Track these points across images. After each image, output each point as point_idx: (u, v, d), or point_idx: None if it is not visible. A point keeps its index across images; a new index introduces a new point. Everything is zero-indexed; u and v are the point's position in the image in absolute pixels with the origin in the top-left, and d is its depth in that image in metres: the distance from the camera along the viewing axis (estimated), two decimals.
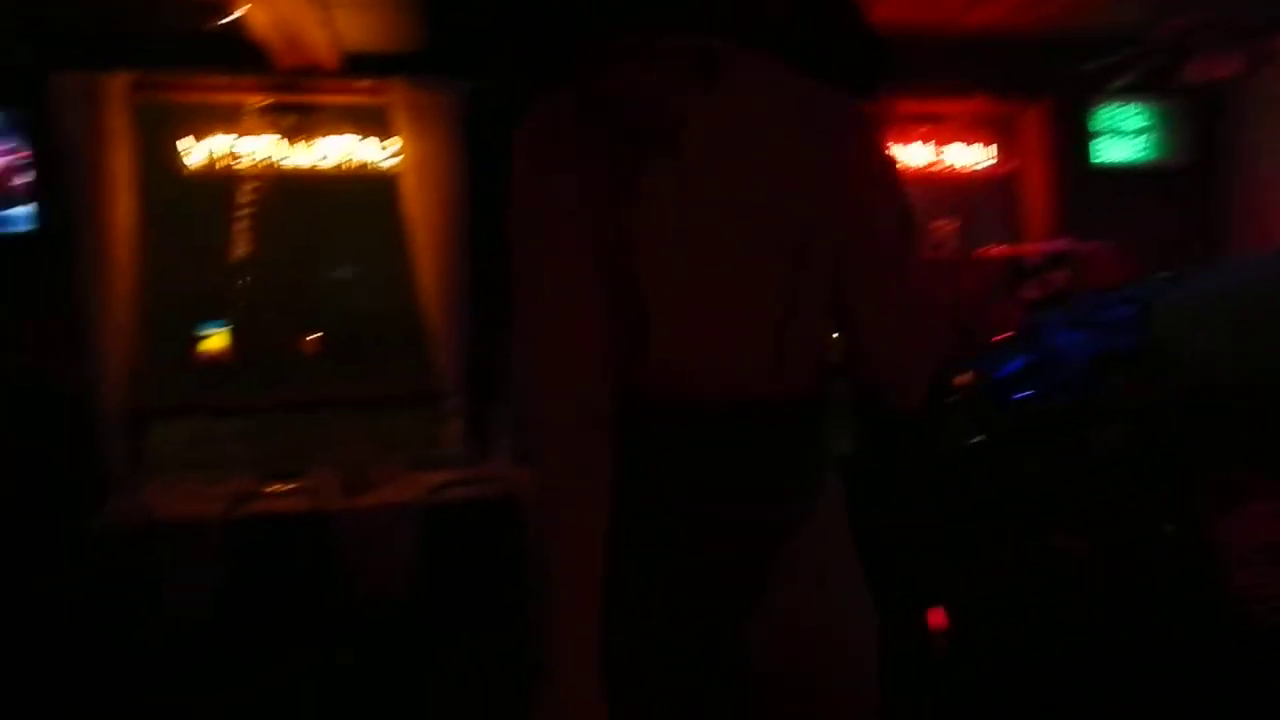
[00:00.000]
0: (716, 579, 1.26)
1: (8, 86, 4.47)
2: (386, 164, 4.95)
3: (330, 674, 3.37)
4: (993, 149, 5.70)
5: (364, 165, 4.97)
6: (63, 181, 4.44)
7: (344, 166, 4.98)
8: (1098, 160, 5.68)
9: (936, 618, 3.72)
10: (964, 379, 2.92)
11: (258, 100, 4.85)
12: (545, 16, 1.18)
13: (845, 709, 1.32)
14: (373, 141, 4.97)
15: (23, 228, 4.48)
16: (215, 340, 8.46)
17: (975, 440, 2.91)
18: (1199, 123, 5.76)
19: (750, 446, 1.25)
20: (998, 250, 4.90)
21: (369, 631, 3.40)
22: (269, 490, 3.55)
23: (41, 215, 4.51)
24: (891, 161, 1.30)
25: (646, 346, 1.21)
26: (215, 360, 8.41)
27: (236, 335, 8.27)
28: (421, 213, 4.82)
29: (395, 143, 4.89)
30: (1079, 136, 5.67)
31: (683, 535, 1.27)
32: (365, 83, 4.86)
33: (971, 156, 5.68)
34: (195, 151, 4.83)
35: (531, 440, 1.24)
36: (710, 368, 1.22)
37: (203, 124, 4.87)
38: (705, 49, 1.14)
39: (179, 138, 4.83)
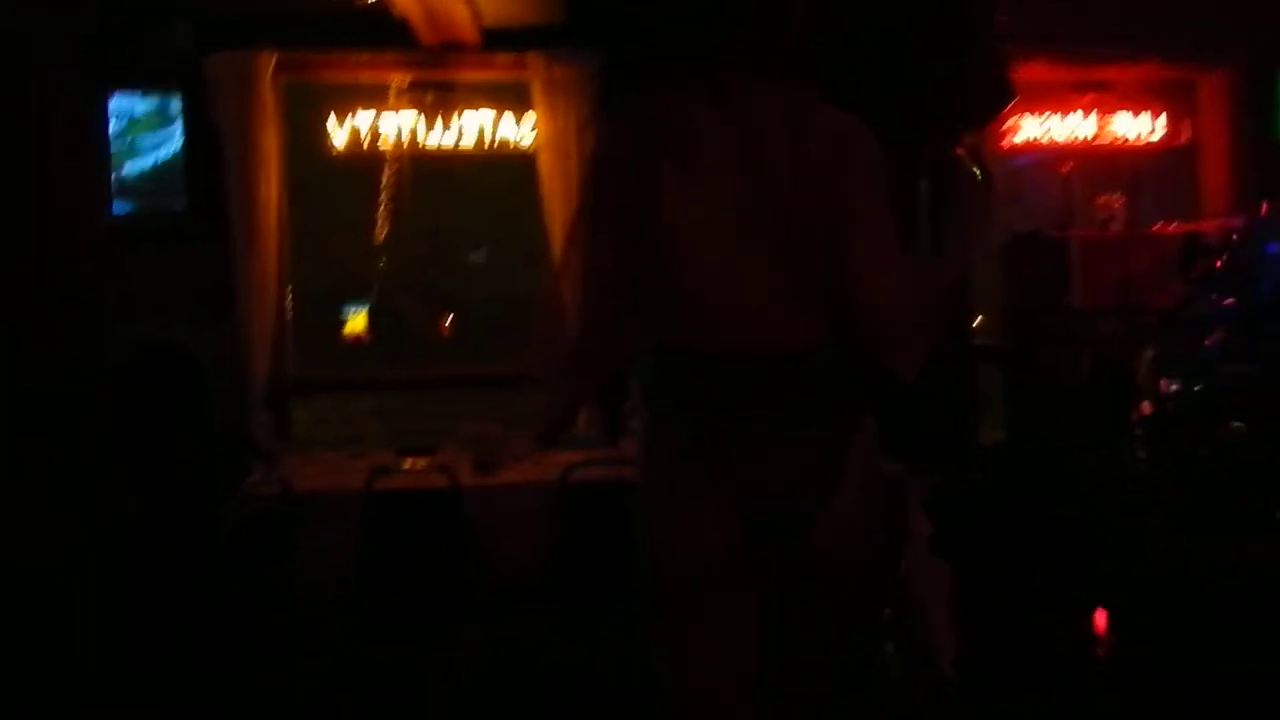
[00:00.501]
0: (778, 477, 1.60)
1: (167, 69, 4.61)
2: (525, 141, 4.91)
3: (461, 650, 3.35)
4: (1162, 119, 5.29)
5: (503, 143, 4.94)
6: (214, 161, 4.55)
7: (483, 145, 4.96)
8: None
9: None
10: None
11: (401, 78, 4.87)
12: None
13: (865, 582, 1.78)
14: (512, 118, 4.94)
15: (177, 207, 4.62)
16: (357, 321, 8.72)
17: None
18: None
19: (778, 387, 1.61)
20: (1174, 228, 4.55)
21: (500, 610, 3.36)
22: (405, 466, 3.55)
23: (193, 195, 4.63)
24: (879, 165, 1.63)
25: (683, 309, 1.62)
26: (357, 340, 8.68)
27: (375, 316, 8.51)
28: (556, 189, 4.76)
29: (532, 118, 4.84)
30: (1263, 105, 5.20)
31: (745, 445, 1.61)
32: (505, 58, 4.83)
33: (1140, 127, 5.28)
34: (340, 131, 4.90)
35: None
36: (733, 325, 1.60)
37: (347, 102, 4.93)
38: (716, 82, 1.61)
39: (325, 117, 4.91)
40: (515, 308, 6.56)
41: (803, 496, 1.59)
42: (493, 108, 4.95)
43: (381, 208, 5.78)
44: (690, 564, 1.61)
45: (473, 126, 4.88)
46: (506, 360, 6.23)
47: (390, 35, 4.62)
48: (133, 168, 4.65)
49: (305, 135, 5.02)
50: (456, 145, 4.91)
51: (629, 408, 4.00)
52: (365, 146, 4.91)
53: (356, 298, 8.13)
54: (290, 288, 4.90)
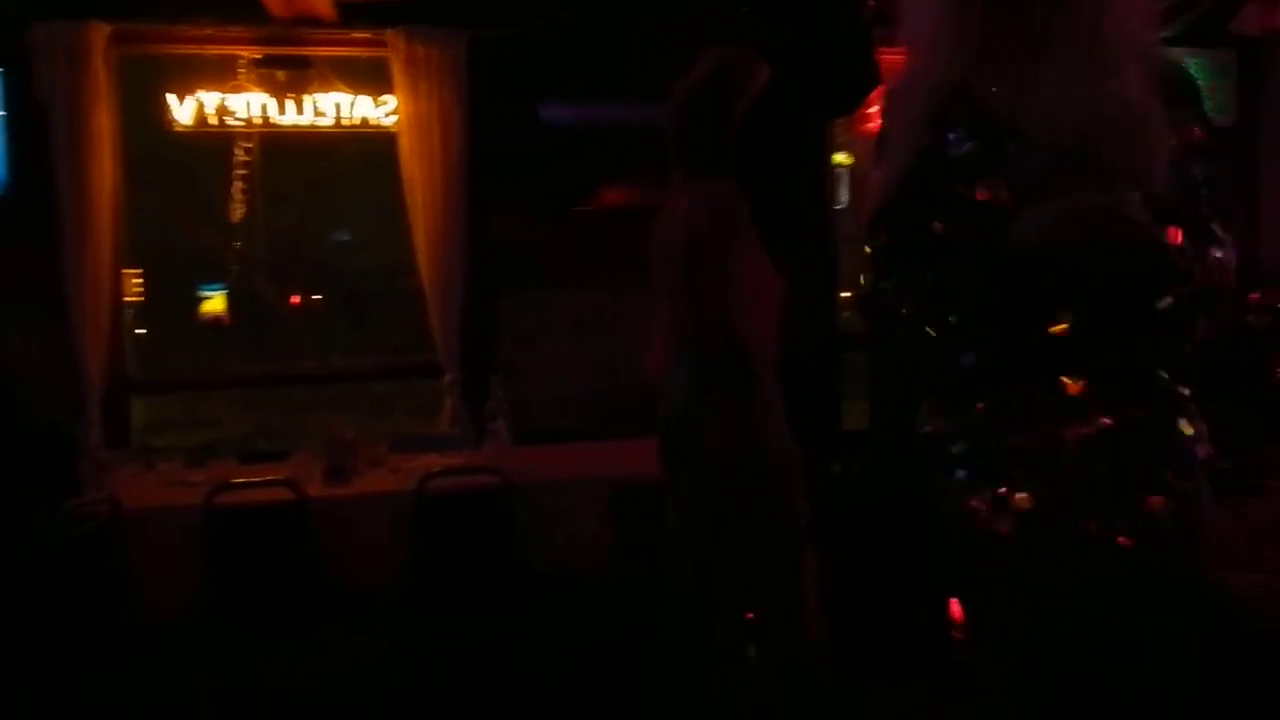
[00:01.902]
0: None
1: None
2: (386, 121, 4.67)
3: (310, 669, 3.20)
4: None
5: (363, 122, 4.69)
6: (40, 141, 4.19)
7: (342, 124, 4.70)
8: None
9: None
10: None
11: (249, 53, 4.57)
12: None
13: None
14: (372, 97, 4.69)
15: None
16: (215, 302, 8.29)
17: None
18: (1245, 81, 5.42)
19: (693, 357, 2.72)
20: None
21: (353, 627, 3.21)
22: (249, 476, 3.34)
23: (16, 177, 4.26)
24: (730, 223, 2.60)
25: None
26: (216, 322, 8.25)
27: (234, 296, 8.11)
28: (420, 173, 4.56)
29: (393, 98, 4.61)
30: None
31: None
32: (363, 34, 4.58)
33: None
34: (184, 108, 4.56)
35: None
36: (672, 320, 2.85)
37: (191, 78, 4.60)
38: (680, 178, 2.75)
39: (166, 93, 4.56)
40: (377, 296, 6.32)
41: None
42: (352, 87, 4.70)
43: (234, 186, 5.46)
44: None
45: (329, 105, 4.62)
46: (368, 353, 6.03)
47: (238, 7, 4.33)
48: None
49: (147, 112, 4.67)
50: (313, 125, 4.63)
51: (491, 407, 3.86)
52: (214, 124, 4.58)
53: (212, 279, 7.74)
54: (131, 274, 4.58)
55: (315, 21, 4.49)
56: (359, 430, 3.88)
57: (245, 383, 5.02)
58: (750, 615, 3.31)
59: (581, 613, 3.29)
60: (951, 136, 1.52)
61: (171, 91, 4.53)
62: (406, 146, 4.57)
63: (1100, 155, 1.39)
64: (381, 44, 4.57)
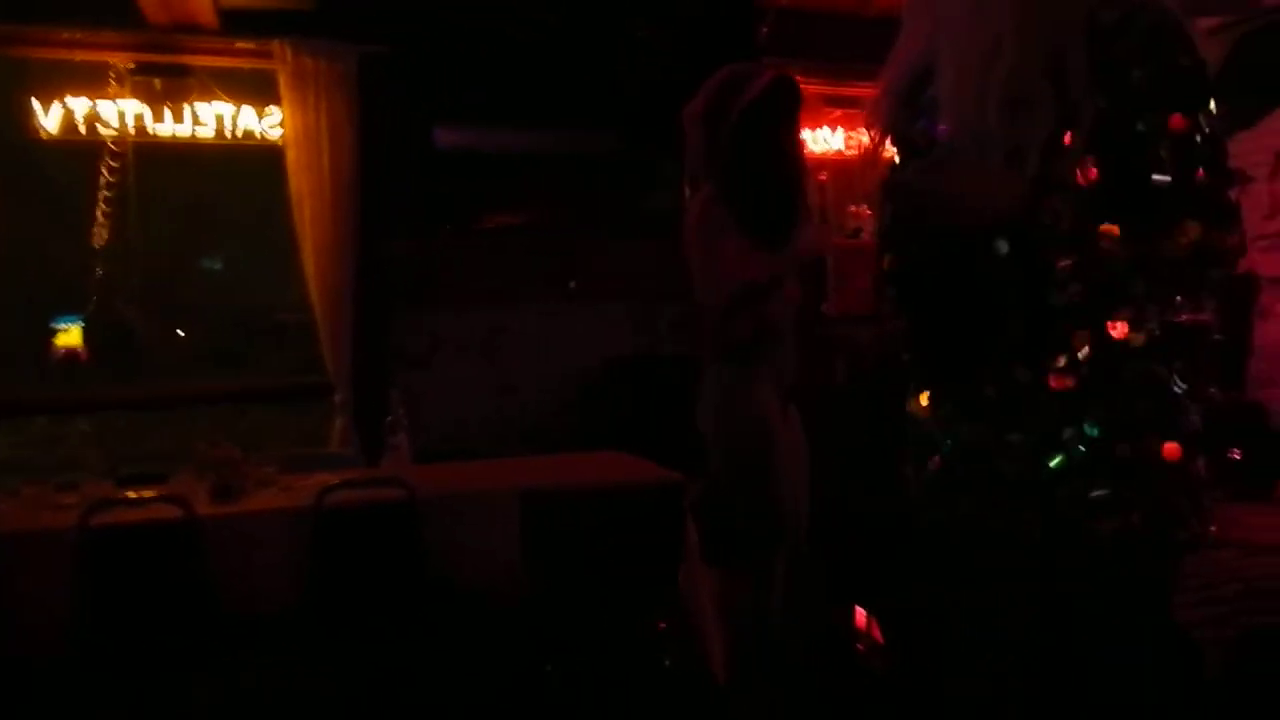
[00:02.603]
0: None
1: None
2: (272, 134, 4.48)
3: (204, 700, 2.95)
4: None
5: (246, 135, 4.49)
6: None
7: (223, 137, 4.49)
8: None
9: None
10: None
11: (124, 59, 4.33)
12: None
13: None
14: (255, 109, 4.50)
15: None
16: (71, 335, 7.76)
17: None
18: None
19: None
20: None
21: (249, 650, 2.98)
22: (128, 496, 3.08)
23: None
24: (700, 234, 2.95)
25: None
26: (71, 356, 7.72)
27: (94, 329, 7.60)
28: (308, 187, 4.39)
29: (279, 111, 4.43)
30: None
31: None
32: (247, 44, 4.40)
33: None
34: (50, 115, 4.28)
35: None
36: None
37: (57, 84, 4.32)
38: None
39: (32, 100, 4.27)
40: (261, 314, 6.03)
41: None
42: (235, 98, 4.50)
43: (100, 206, 5.14)
44: None
45: (211, 117, 4.40)
46: (251, 375, 5.71)
47: (112, 12, 4.11)
48: None
49: (10, 120, 4.36)
50: (192, 136, 4.41)
51: (391, 423, 3.69)
52: (84, 135, 4.31)
53: (70, 308, 7.24)
54: None
55: (196, 29, 4.30)
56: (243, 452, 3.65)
57: (112, 406, 4.67)
58: (662, 625, 3.26)
59: (493, 633, 3.14)
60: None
61: (37, 97, 4.25)
62: (294, 160, 4.40)
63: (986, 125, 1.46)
64: (267, 55, 4.41)
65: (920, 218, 1.53)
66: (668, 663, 3.24)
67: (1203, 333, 1.51)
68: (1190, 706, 2.33)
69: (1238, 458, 4.63)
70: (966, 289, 1.51)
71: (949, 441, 1.54)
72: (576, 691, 3.13)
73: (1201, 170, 1.42)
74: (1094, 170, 1.43)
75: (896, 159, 1.69)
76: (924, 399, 1.60)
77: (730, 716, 3.21)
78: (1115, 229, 1.40)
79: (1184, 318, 1.48)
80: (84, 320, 8.02)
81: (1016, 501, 1.47)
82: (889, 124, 1.67)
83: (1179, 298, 1.45)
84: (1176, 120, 1.40)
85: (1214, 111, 1.44)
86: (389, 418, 3.70)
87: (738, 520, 3.04)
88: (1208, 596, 3.27)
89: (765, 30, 5.13)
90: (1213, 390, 1.54)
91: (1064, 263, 1.43)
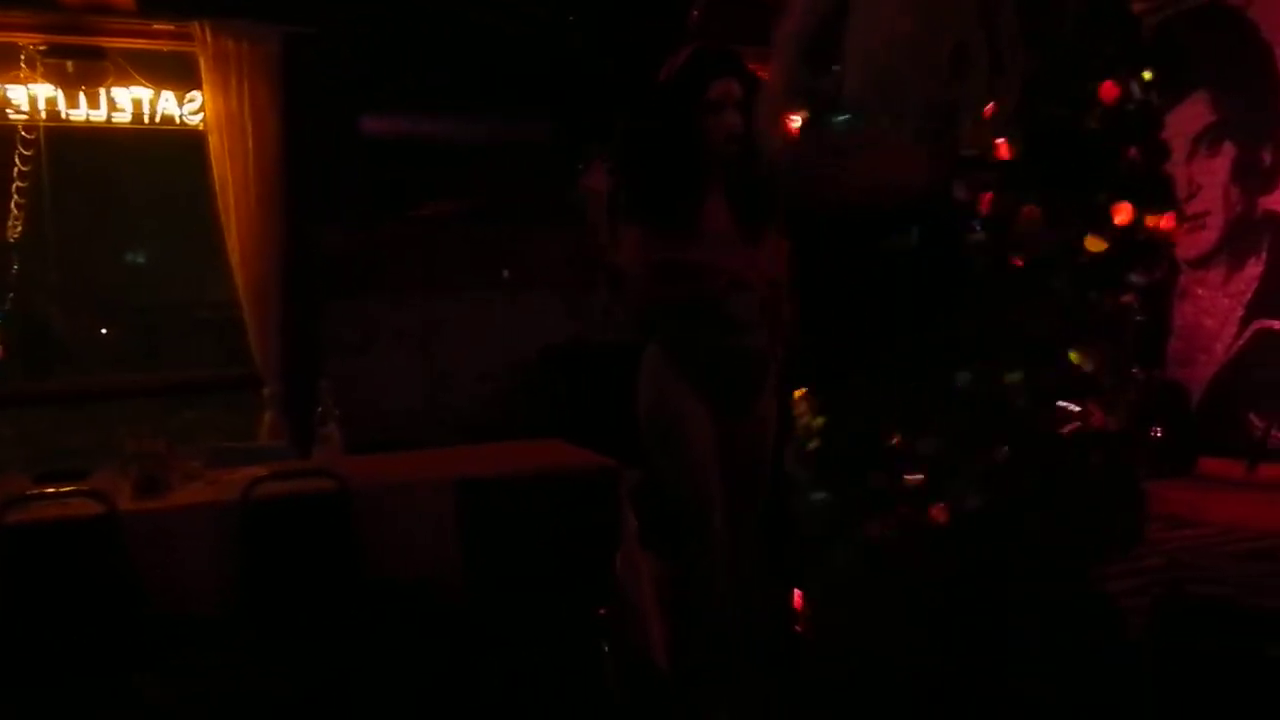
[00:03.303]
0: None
1: None
2: (192, 119, 4.35)
3: (132, 705, 2.85)
4: None
5: (166, 121, 4.35)
6: None
7: (141, 123, 4.34)
8: None
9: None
10: None
11: (35, 40, 4.16)
12: None
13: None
14: (175, 94, 4.36)
15: None
16: None
17: None
18: None
19: None
20: None
21: (178, 651, 2.89)
22: (45, 492, 2.96)
23: None
24: None
25: None
26: None
27: (9, 327, 7.34)
28: (232, 174, 4.27)
29: (200, 96, 4.31)
30: None
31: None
32: (165, 25, 4.26)
33: None
34: None
35: None
36: None
37: None
38: None
39: None
40: (183, 305, 5.87)
41: None
42: (153, 82, 4.35)
43: (14, 197, 4.95)
44: None
45: (127, 101, 4.26)
46: (172, 368, 5.55)
47: None
48: None
49: None
50: (108, 122, 4.26)
51: (321, 413, 3.61)
52: None
53: None
54: None
55: (110, 10, 4.16)
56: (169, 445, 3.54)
57: (32, 400, 4.52)
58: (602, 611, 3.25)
59: (431, 625, 3.10)
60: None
61: None
62: (216, 145, 4.28)
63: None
64: (187, 37, 4.28)
65: (817, 204, 1.44)
66: (607, 649, 3.22)
67: (1126, 313, 1.46)
68: (1112, 669, 2.39)
69: (1159, 436, 4.77)
70: (861, 280, 1.43)
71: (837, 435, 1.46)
72: (517, 681, 3.09)
73: (1134, 146, 1.34)
74: (1014, 146, 1.35)
75: (799, 123, 1.57)
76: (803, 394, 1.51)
77: (672, 703, 3.21)
78: (1038, 212, 1.32)
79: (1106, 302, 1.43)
80: (1, 317, 7.74)
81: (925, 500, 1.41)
82: (791, 76, 1.56)
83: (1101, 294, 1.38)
84: (1108, 88, 1.32)
85: (1149, 80, 1.36)
86: (319, 409, 3.62)
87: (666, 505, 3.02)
88: (1132, 568, 3.36)
89: (696, 14, 5.13)
90: (1135, 370, 1.51)
91: (978, 253, 1.34)
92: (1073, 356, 1.42)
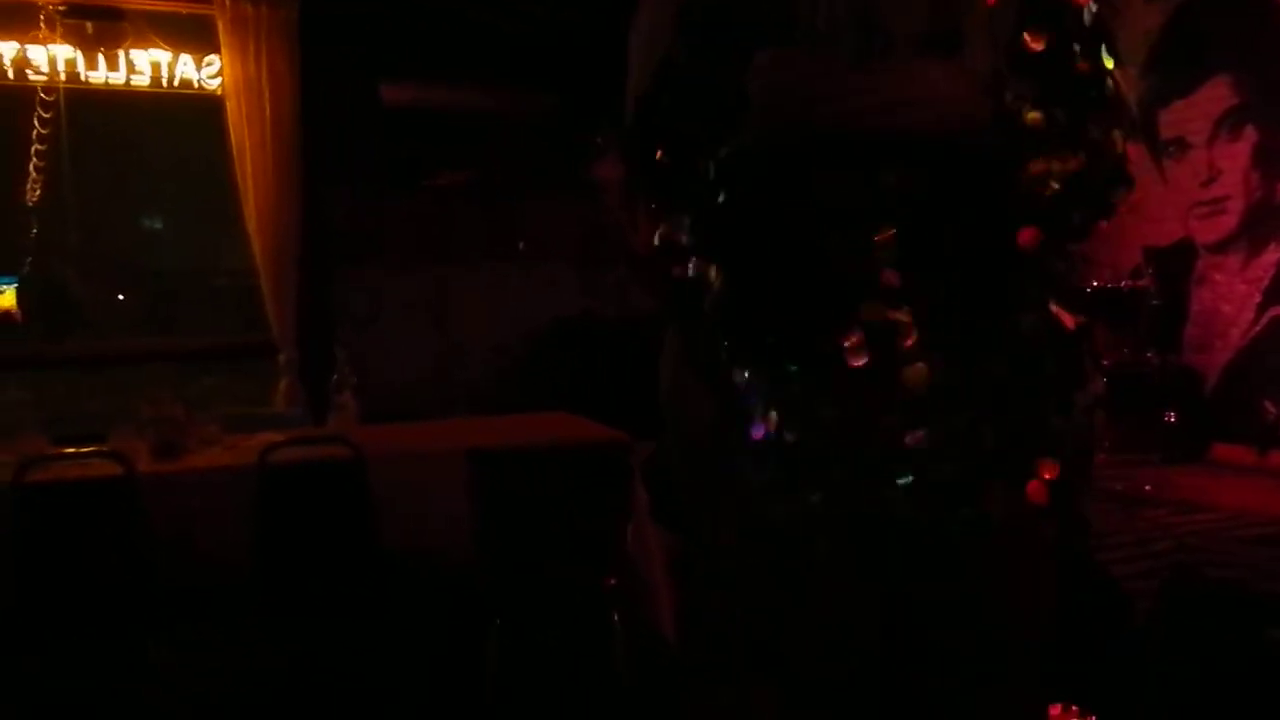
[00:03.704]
0: None
1: None
2: (210, 83, 4.36)
3: (148, 665, 2.89)
4: None
5: (184, 84, 4.36)
6: None
7: (159, 86, 4.35)
8: None
9: None
10: None
11: (54, 1, 4.16)
12: None
13: None
14: (194, 58, 4.36)
15: None
16: (5, 297, 7.50)
17: None
18: None
19: None
20: None
21: (194, 613, 2.93)
22: (65, 452, 3.00)
23: None
24: None
25: None
26: (5, 318, 7.48)
27: (29, 290, 7.36)
28: (250, 140, 4.28)
29: (217, 60, 4.31)
30: None
31: None
32: None
33: None
34: None
35: None
36: None
37: None
38: None
39: None
40: (201, 272, 5.89)
41: None
42: (171, 45, 4.35)
43: (33, 160, 4.97)
44: None
45: (146, 64, 4.26)
46: (189, 334, 5.58)
47: None
48: None
49: None
50: (127, 84, 4.26)
51: (337, 381, 3.64)
52: (11, 79, 4.15)
53: (4, 269, 6.98)
54: None
55: None
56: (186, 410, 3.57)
57: (49, 364, 4.55)
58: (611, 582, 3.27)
59: (442, 593, 3.13)
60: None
61: None
62: (234, 110, 4.29)
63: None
64: (205, 0, 4.27)
65: (818, 126, 1.25)
66: (616, 619, 3.24)
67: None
68: (1119, 651, 2.40)
69: (1172, 421, 4.76)
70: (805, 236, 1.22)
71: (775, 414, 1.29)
72: (525, 651, 3.12)
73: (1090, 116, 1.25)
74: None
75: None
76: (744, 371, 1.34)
77: (679, 688, 3.23)
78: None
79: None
80: (18, 281, 7.77)
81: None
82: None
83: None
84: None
85: (1111, 52, 1.28)
86: (335, 377, 3.65)
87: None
88: (1142, 552, 3.37)
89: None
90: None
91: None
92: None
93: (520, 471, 3.21)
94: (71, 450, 2.96)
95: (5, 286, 8.10)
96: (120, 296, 8.26)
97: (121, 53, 4.23)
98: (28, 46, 4.12)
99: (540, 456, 3.29)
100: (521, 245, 5.06)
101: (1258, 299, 4.85)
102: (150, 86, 4.32)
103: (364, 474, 3.06)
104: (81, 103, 4.58)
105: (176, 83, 4.34)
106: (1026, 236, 1.26)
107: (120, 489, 2.79)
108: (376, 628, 3.04)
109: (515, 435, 3.51)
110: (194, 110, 4.56)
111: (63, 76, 4.19)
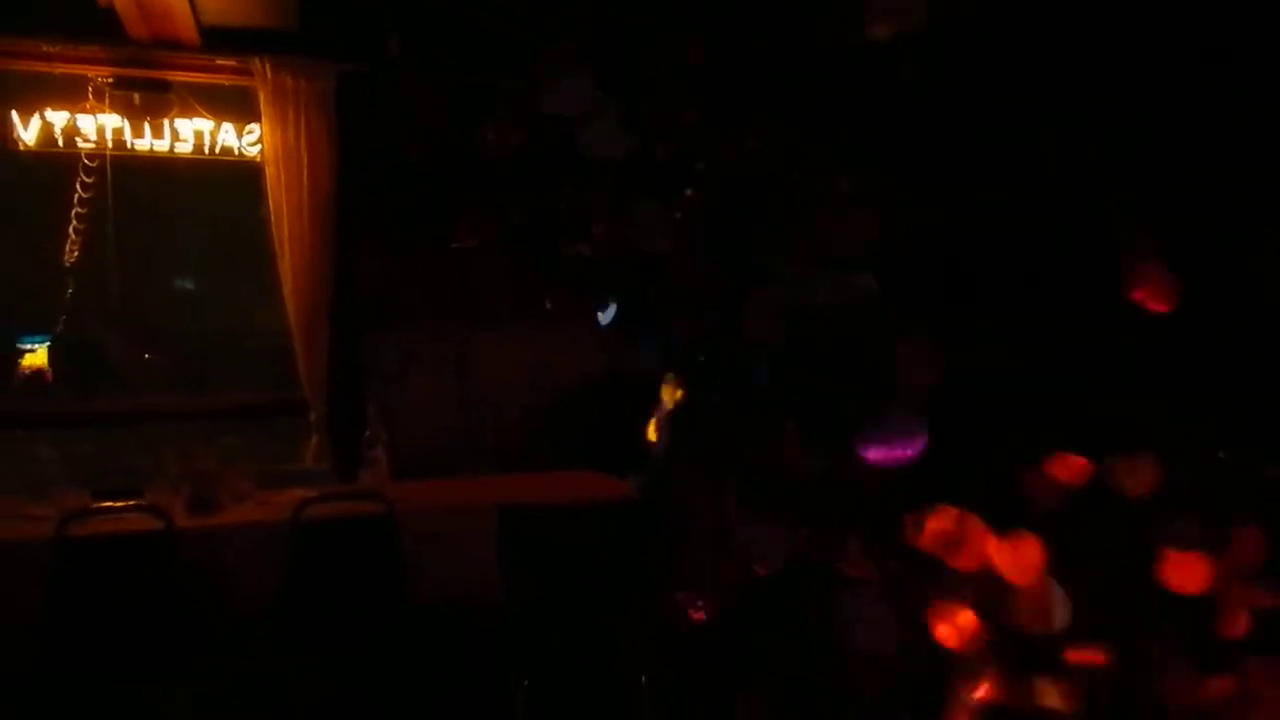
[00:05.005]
0: None
1: None
2: (250, 150, 4.50)
3: (175, 710, 2.93)
4: None
5: (225, 152, 4.50)
6: None
7: (202, 153, 4.50)
8: None
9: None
10: None
11: (104, 74, 4.33)
12: None
13: None
14: (235, 126, 4.51)
15: None
16: (37, 356, 7.67)
17: None
18: None
19: None
20: None
21: (225, 660, 2.97)
22: (105, 506, 3.07)
23: None
24: None
25: None
26: (37, 376, 7.63)
27: (61, 349, 7.52)
28: (287, 205, 4.40)
29: (258, 128, 4.45)
30: None
31: None
32: (227, 60, 4.42)
33: None
34: (29, 128, 4.27)
35: None
36: None
37: (40, 98, 4.31)
38: None
39: (11, 112, 4.26)
40: (233, 342, 5.99)
41: None
42: (214, 114, 4.51)
43: (73, 224, 5.13)
44: None
45: (189, 131, 4.42)
46: (223, 392, 5.69)
47: (93, 26, 4.11)
48: None
49: None
50: (171, 151, 4.41)
51: (369, 437, 3.71)
52: (61, 148, 4.30)
53: (38, 328, 7.14)
54: None
55: (176, 45, 4.31)
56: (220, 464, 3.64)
57: (82, 422, 4.64)
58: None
59: (471, 646, 3.16)
60: None
61: (16, 109, 4.25)
62: (273, 176, 4.41)
63: None
64: (247, 72, 4.43)
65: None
66: (644, 678, 3.26)
67: None
68: None
69: None
70: None
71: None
72: (552, 706, 3.14)
73: None
74: None
75: None
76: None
77: None
78: None
79: None
80: (51, 339, 7.93)
81: None
82: None
83: None
84: None
85: None
86: (367, 433, 3.72)
87: None
88: None
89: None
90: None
91: None
92: None
93: (548, 528, 3.26)
94: (110, 504, 3.03)
95: (37, 345, 8.28)
96: (146, 356, 8.43)
97: (166, 121, 4.38)
98: (77, 116, 4.28)
99: (567, 514, 3.35)
100: (548, 304, 5.13)
101: None
102: (193, 153, 4.46)
103: (395, 529, 3.12)
104: (122, 167, 4.73)
105: (218, 150, 4.48)
106: None
107: (159, 543, 2.86)
108: (407, 679, 3.07)
109: (544, 492, 3.57)
110: (225, 176, 4.69)
111: (110, 144, 4.34)
